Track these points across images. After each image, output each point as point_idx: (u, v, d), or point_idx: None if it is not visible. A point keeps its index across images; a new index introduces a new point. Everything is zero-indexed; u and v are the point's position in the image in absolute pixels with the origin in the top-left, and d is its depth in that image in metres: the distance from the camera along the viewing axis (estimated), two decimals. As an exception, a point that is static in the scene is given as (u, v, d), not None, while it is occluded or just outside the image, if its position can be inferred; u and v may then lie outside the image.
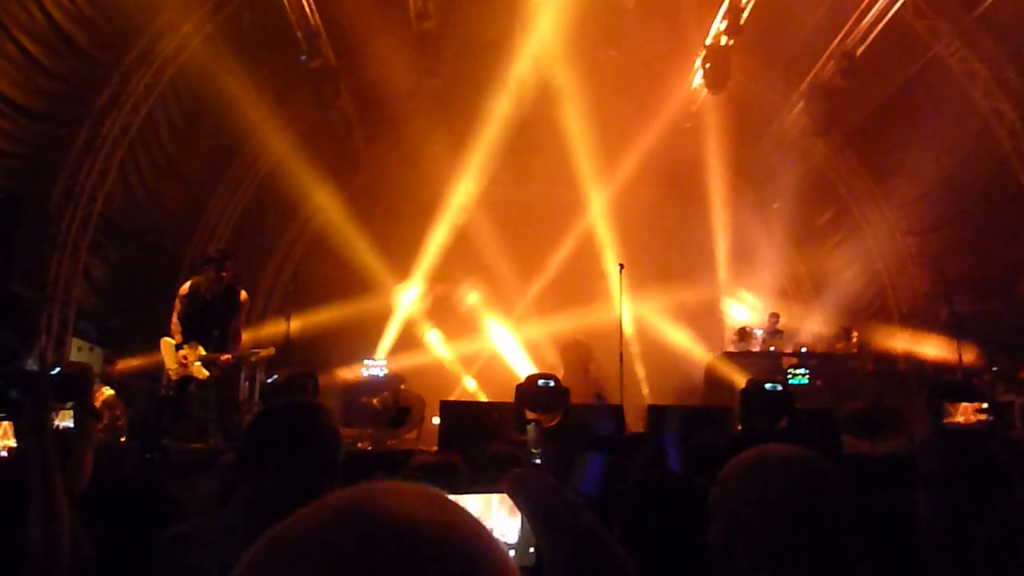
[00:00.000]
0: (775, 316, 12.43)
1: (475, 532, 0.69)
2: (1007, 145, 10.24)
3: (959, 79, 10.36)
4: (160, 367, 8.11)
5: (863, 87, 11.34)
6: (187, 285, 7.24)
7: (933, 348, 10.20)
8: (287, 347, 9.45)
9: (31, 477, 1.79)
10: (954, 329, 8.37)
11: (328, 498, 0.70)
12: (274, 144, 12.27)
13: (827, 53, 11.09)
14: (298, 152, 12.11)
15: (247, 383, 12.56)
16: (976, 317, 9.84)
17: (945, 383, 7.78)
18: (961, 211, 11.18)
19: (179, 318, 7.10)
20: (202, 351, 6.98)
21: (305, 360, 9.55)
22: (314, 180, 12.33)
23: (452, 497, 0.73)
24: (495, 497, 1.72)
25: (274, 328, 10.63)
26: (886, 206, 12.93)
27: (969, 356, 9.15)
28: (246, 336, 7.74)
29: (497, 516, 1.70)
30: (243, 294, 7.24)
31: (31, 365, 6.05)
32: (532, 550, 1.64)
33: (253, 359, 7.41)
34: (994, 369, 9.59)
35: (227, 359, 6.99)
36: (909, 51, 10.79)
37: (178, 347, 7.02)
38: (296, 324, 10.17)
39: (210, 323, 7.05)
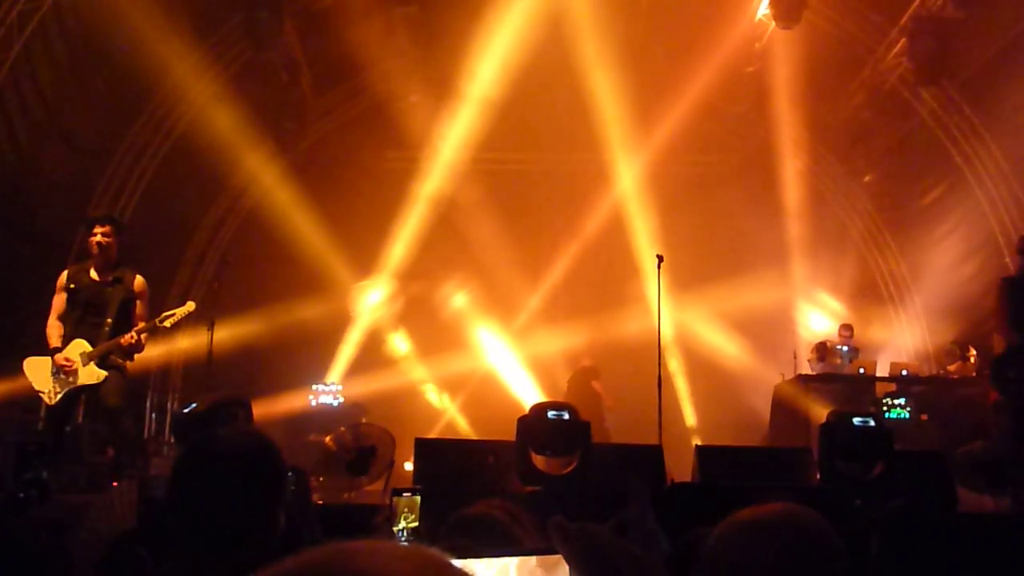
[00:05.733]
0: (848, 328, 12.53)
1: None
2: None
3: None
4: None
5: (984, 20, 11.32)
6: (64, 275, 7.33)
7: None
8: (209, 366, 9.40)
9: None
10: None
11: (297, 556, 0.73)
12: (193, 93, 12.24)
13: (938, -26, 11.09)
14: (226, 104, 12.08)
15: (154, 414, 12.53)
16: None
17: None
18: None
19: (58, 317, 7.16)
20: (88, 347, 7.01)
21: (233, 383, 9.51)
22: (247, 141, 12.32)
23: (461, 563, 0.75)
24: (513, 562, 1.74)
25: (191, 339, 10.59)
26: (1015, 180, 12.89)
27: None
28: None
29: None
30: (139, 279, 7.36)
31: None
32: None
33: (168, 323, 7.43)
34: None
35: (130, 339, 7.04)
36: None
37: (55, 352, 7.03)
38: (221, 334, 10.10)
39: (99, 315, 7.13)
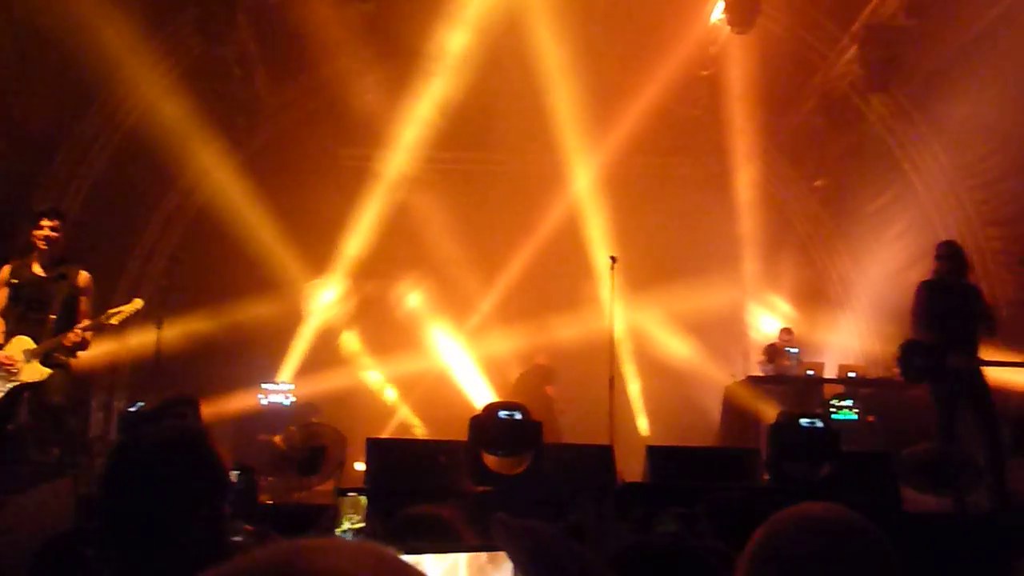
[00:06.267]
0: (788, 332, 12.72)
1: None
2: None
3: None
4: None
5: (933, 30, 11.50)
6: (7, 269, 7.19)
7: (1022, 373, 10.39)
8: (157, 364, 9.31)
9: None
10: (1049, 349, 8.51)
11: (243, 557, 0.71)
12: (144, 87, 12.08)
13: (889, -18, 11.23)
14: (178, 99, 11.94)
15: (101, 413, 12.34)
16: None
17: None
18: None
19: None
20: (32, 344, 6.90)
21: (182, 382, 9.39)
22: (199, 137, 12.18)
23: (411, 559, 0.74)
24: (463, 558, 1.78)
25: (140, 337, 10.46)
26: (962, 187, 13.12)
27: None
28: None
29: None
30: (84, 275, 7.26)
31: None
32: None
33: (114, 320, 7.32)
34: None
35: (75, 336, 6.95)
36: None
37: None
38: (170, 333, 10.01)
39: (42, 311, 7.02)
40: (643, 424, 13.06)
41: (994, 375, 8.30)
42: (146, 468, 2.08)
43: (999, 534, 6.00)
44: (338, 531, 3.63)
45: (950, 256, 7.78)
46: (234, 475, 5.30)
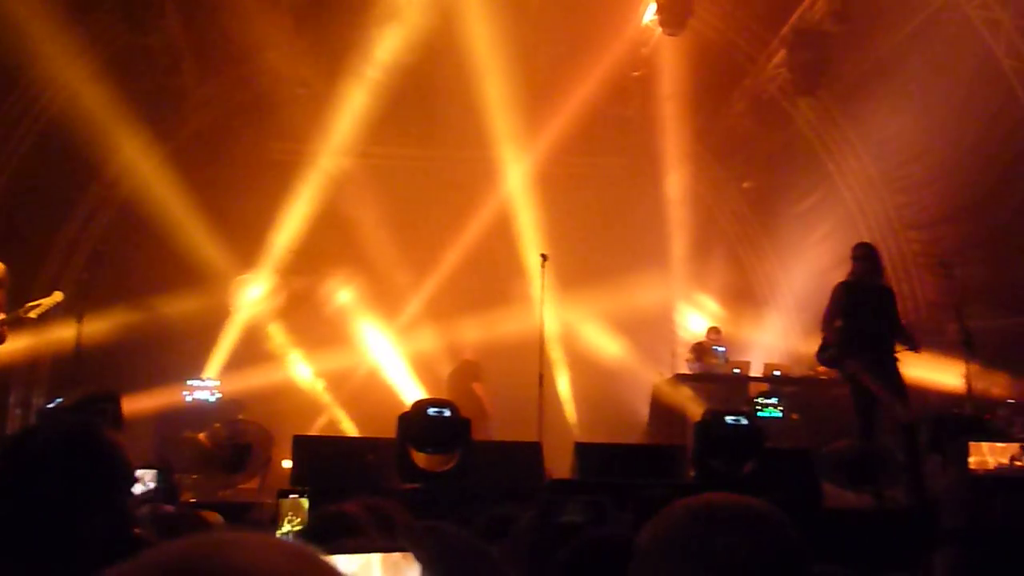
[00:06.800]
0: (716, 331, 12.85)
1: None
2: (1032, 117, 10.79)
3: (978, 30, 10.85)
4: None
5: (860, 35, 11.74)
6: None
7: (940, 373, 10.67)
8: (78, 359, 9.11)
9: None
10: (965, 349, 8.75)
11: (153, 552, 0.70)
12: (66, 75, 11.78)
13: (816, -12, 11.43)
14: (101, 88, 11.67)
15: (19, 410, 12.05)
16: (991, 334, 10.33)
17: (951, 418, 8.15)
18: (977, 200, 11.71)
19: None
20: None
21: (104, 378, 9.22)
22: (123, 128, 11.94)
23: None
24: (376, 557, 1.77)
25: (59, 332, 10.23)
26: (885, 192, 13.43)
27: (981, 383, 9.61)
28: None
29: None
30: None
31: None
32: None
33: (33, 314, 7.14)
34: (1010, 401, 10.10)
35: None
36: (918, -9, 11.25)
37: None
38: (92, 328, 9.80)
39: None
40: (572, 421, 13.11)
41: (912, 375, 8.53)
42: (37, 465, 1.98)
43: (915, 528, 6.16)
44: (278, 533, 3.58)
45: (865, 257, 7.99)
46: (152, 474, 5.20)
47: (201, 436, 9.95)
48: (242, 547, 0.69)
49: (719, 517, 1.58)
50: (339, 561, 1.60)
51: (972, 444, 6.13)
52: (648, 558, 1.59)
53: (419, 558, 1.37)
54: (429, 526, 1.39)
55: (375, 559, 1.75)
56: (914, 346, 7.81)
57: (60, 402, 6.26)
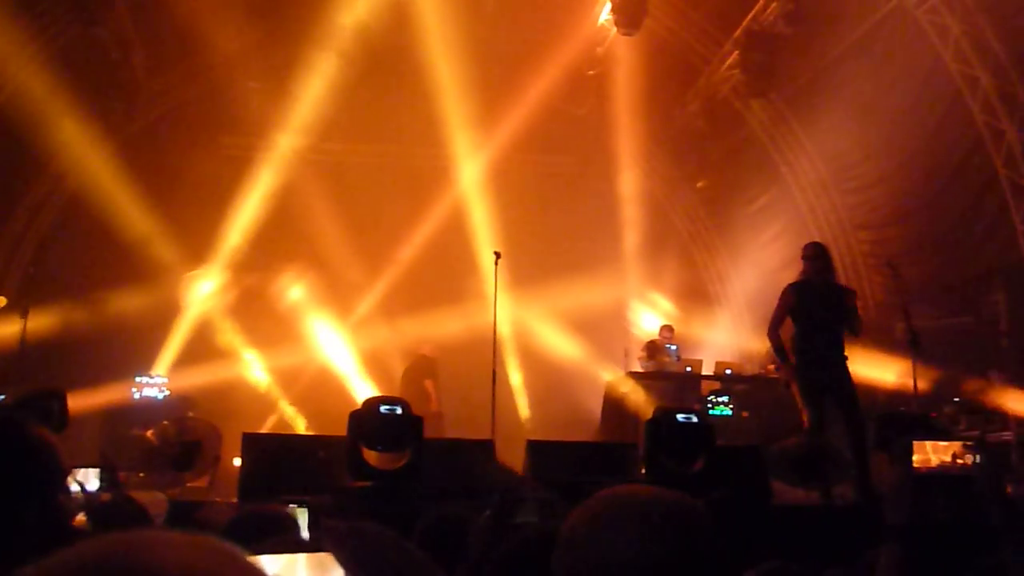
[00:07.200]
0: (669, 329, 12.92)
1: None
2: (979, 121, 11.00)
3: (927, 35, 11.05)
4: None
5: (811, 38, 11.90)
6: None
7: (887, 371, 10.85)
8: (22, 356, 8.98)
9: None
10: (911, 348, 8.90)
11: (71, 550, 0.68)
12: (13, 67, 11.58)
13: (769, -9, 11.56)
14: (49, 81, 11.51)
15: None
16: (938, 333, 10.54)
17: (898, 416, 8.29)
18: (925, 203, 11.93)
19: None
20: None
21: (48, 375, 9.09)
22: (71, 121, 11.77)
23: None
24: (302, 557, 1.77)
25: (3, 328, 10.05)
26: (835, 191, 13.63)
27: (926, 382, 9.79)
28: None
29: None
30: None
31: None
32: None
33: None
34: (956, 400, 10.30)
35: None
36: (869, -5, 11.42)
37: None
38: (37, 323, 9.66)
39: None
40: (525, 418, 13.15)
41: (861, 373, 8.67)
42: None
43: (862, 524, 6.25)
44: None
45: (816, 256, 8.05)
46: (95, 473, 5.14)
47: (149, 433, 9.82)
48: (162, 545, 0.68)
49: (631, 509, 1.56)
50: (263, 560, 1.59)
51: (916, 443, 6.22)
52: (565, 547, 1.58)
53: (339, 559, 1.36)
54: (351, 526, 1.37)
55: (300, 558, 1.75)
56: (855, 331, 7.88)
57: (2, 399, 6.16)
